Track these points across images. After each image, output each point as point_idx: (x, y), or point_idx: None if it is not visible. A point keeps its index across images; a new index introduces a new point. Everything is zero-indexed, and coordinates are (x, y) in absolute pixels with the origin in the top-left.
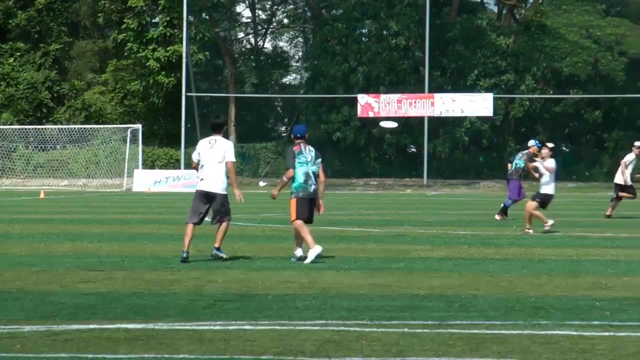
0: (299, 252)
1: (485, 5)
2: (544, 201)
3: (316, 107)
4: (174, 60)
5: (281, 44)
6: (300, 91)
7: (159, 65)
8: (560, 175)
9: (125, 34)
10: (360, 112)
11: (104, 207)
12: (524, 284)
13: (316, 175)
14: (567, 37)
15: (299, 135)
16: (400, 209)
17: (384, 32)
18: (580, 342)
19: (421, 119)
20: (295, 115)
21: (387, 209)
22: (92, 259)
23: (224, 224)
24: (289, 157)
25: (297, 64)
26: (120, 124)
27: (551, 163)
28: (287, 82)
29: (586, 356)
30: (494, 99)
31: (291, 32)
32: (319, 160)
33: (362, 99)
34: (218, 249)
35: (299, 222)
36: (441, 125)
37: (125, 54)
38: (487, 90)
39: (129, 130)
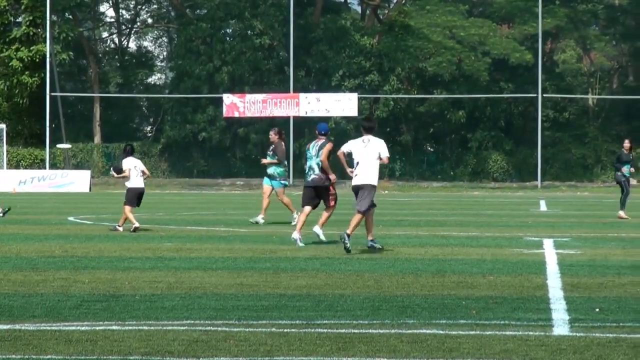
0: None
1: (349, 5)
2: None
3: (181, 107)
4: (37, 60)
5: (145, 43)
6: (165, 91)
7: (22, 65)
8: (425, 175)
9: None
10: (225, 112)
11: None
12: (391, 283)
13: (319, 166)
14: (431, 37)
15: (321, 132)
16: (267, 209)
17: (248, 31)
18: (447, 341)
19: (286, 118)
20: (160, 115)
21: (254, 209)
22: None
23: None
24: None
25: (162, 64)
26: None
27: None
28: (152, 82)
29: (453, 355)
30: (359, 99)
31: (155, 31)
32: (322, 150)
33: (228, 98)
34: (348, 235)
35: (305, 208)
36: (306, 125)
37: None
38: (351, 90)
39: None
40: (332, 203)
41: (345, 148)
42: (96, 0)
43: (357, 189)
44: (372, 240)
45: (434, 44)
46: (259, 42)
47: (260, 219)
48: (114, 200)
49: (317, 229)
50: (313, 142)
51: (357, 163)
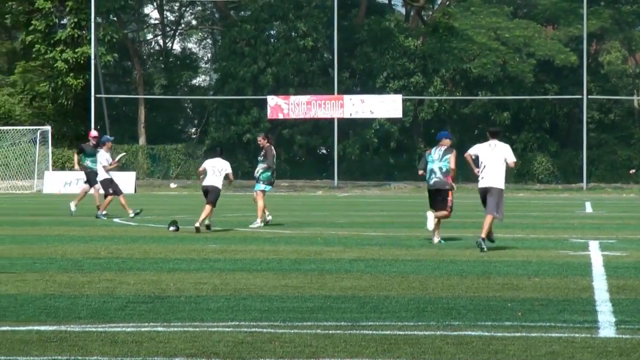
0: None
1: (393, 6)
2: None
3: (226, 108)
4: (82, 62)
5: (190, 45)
6: (210, 92)
7: (67, 67)
8: (469, 176)
9: (33, 36)
10: (270, 113)
11: (15, 209)
12: (436, 285)
13: (442, 170)
14: (475, 38)
15: (442, 138)
16: (311, 211)
17: (292, 33)
18: (492, 342)
19: (331, 120)
20: (205, 117)
21: (298, 210)
22: (3, 261)
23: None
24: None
25: (206, 66)
26: (30, 125)
27: None
28: (197, 84)
29: (498, 357)
30: (403, 100)
31: (200, 33)
32: (447, 155)
33: (272, 100)
34: (484, 239)
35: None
36: (350, 126)
37: (34, 55)
38: (396, 92)
39: (39, 131)
40: (448, 211)
41: (472, 151)
42: (140, 2)
43: (484, 191)
44: (483, 239)
45: (478, 45)
46: (303, 44)
47: (268, 218)
48: (159, 202)
49: (435, 239)
50: (435, 147)
51: (484, 166)
